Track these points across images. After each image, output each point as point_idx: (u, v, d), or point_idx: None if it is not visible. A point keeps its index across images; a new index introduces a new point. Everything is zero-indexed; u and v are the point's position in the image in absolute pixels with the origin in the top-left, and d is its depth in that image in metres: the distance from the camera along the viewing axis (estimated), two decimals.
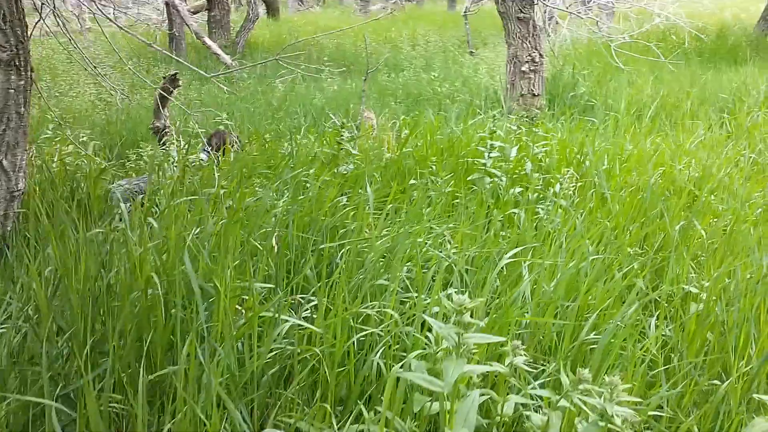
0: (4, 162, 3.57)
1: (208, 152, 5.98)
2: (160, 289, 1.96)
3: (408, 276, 2.60)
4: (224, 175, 4.23)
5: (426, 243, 2.85)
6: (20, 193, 3.73)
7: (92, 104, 8.95)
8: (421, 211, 3.20)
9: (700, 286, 2.94)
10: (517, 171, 4.20)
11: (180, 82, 6.44)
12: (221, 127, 6.84)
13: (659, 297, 2.92)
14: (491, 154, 3.94)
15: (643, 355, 2.53)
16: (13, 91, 3.48)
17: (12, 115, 3.53)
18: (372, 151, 4.71)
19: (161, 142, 6.57)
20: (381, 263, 2.53)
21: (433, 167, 4.08)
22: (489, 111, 8.70)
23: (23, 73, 3.52)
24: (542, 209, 3.67)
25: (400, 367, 1.82)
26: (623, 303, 2.94)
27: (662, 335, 2.74)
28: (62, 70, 10.92)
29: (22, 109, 3.58)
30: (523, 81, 8.39)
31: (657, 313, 2.85)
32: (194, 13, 16.80)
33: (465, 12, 13.43)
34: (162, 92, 6.43)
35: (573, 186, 4.01)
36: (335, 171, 3.78)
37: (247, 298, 2.36)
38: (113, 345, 1.89)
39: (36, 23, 4.24)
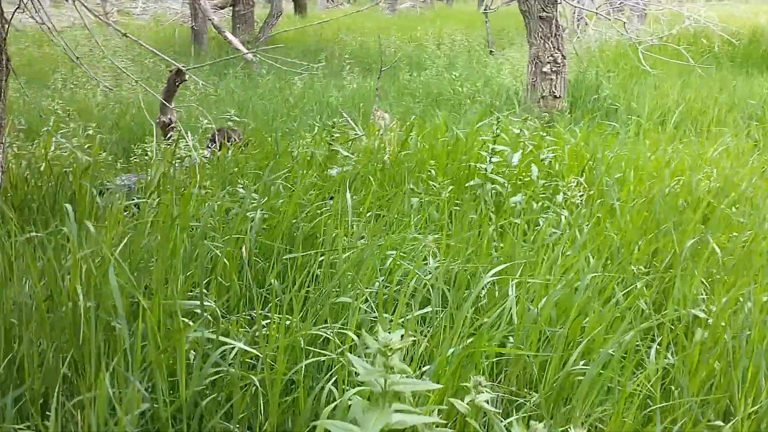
0: None
1: (211, 149, 5.79)
2: (82, 303, 1.75)
3: (383, 292, 2.35)
4: (213, 173, 4.02)
5: (405, 255, 2.60)
6: None
7: (107, 97, 8.82)
8: (406, 220, 2.96)
9: (708, 310, 2.65)
10: (522, 177, 3.93)
11: (186, 77, 6.25)
12: (230, 124, 6.64)
13: (662, 321, 2.64)
14: (493, 159, 3.68)
15: (638, 389, 2.25)
16: None
17: None
18: (373, 153, 4.46)
19: (167, 137, 6.40)
20: (348, 277, 2.29)
21: (432, 171, 3.82)
22: (506, 112, 8.41)
23: (2, 64, 3.34)
24: (543, 220, 3.40)
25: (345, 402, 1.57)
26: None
27: (664, 365, 2.46)
28: (84, 63, 10.86)
29: None
30: (545, 82, 8.08)
31: (659, 339, 2.57)
32: (221, 8, 16.71)
33: (485, 10, 13.12)
34: (167, 86, 6.26)
35: (580, 195, 3.73)
36: (324, 173, 3.55)
37: None
38: (28, 367, 1.68)
39: (14, 11, 4.05)
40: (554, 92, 8.06)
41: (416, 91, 10.18)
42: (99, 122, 7.44)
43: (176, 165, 4.36)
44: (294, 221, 2.77)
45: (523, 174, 4.09)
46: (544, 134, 4.48)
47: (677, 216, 3.52)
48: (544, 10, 7.85)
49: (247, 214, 2.68)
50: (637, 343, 2.46)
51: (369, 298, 2.19)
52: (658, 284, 3.02)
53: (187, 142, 5.75)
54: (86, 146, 5.91)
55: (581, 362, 2.28)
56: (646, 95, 7.81)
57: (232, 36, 11.93)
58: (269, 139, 5.78)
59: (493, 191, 3.66)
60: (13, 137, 5.48)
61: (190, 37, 13.17)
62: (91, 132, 6.54)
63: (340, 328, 2.08)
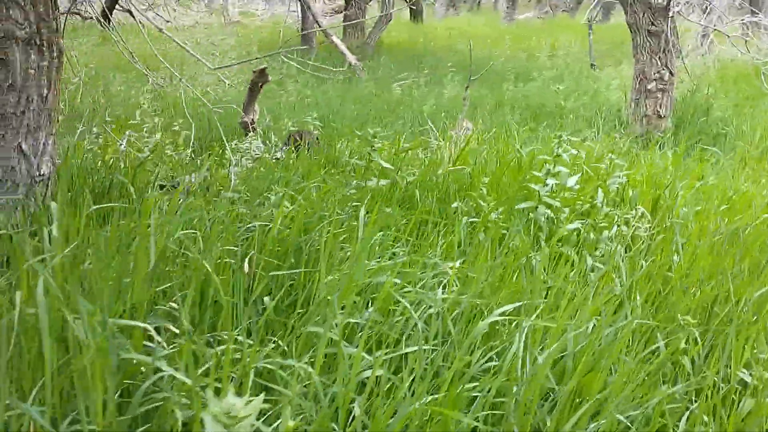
0: (23, 145, 3.43)
1: (284, 151, 5.74)
2: (15, 318, 1.63)
3: (373, 322, 2.13)
4: (266, 175, 3.91)
5: (412, 282, 2.35)
6: (44, 178, 3.59)
7: (203, 94, 9.00)
8: (426, 242, 2.71)
9: (759, 376, 2.25)
10: (587, 202, 3.57)
11: (269, 78, 6.23)
12: (311, 127, 6.58)
13: (702, 383, 2.27)
14: (549, 181, 3.36)
15: None
16: (33, 71, 3.33)
17: (33, 97, 3.38)
18: (431, 165, 4.23)
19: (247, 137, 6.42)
20: (327, 303, 2.08)
21: (483, 190, 3.54)
22: (609, 129, 7.92)
23: (46, 54, 3.36)
24: (592, 255, 3.06)
25: None
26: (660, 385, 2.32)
27: None
28: (194, 61, 11.18)
29: (45, 91, 3.42)
30: (649, 100, 7.54)
31: (696, 404, 2.20)
32: (337, 12, 16.89)
33: (588, 21, 12.51)
34: (251, 87, 6.27)
35: (644, 228, 3.34)
36: (362, 184, 3.36)
37: None
38: None
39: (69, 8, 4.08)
40: (659, 111, 7.51)
41: (516, 103, 9.82)
42: (184, 120, 7.59)
43: (231, 166, 4.30)
44: (304, 236, 2.59)
45: (592, 199, 3.74)
46: (614, 157, 4.06)
47: (753, 259, 3.08)
48: (653, 24, 7.33)
49: (255, 223, 2.53)
50: (663, 410, 2.11)
51: (355, 328, 1.98)
52: (713, 339, 2.63)
53: (259, 143, 5.72)
54: (168, 141, 6.02)
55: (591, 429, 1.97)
56: (760, 120, 7.12)
57: (338, 40, 11.94)
58: (337, 144, 5.65)
59: (548, 216, 3.35)
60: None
61: (299, 41, 13.33)
62: (177, 128, 6.66)
63: (307, 361, 1.88)
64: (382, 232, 2.64)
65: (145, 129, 6.12)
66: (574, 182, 3.33)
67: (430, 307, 2.30)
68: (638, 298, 2.69)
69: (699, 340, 2.57)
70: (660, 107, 7.50)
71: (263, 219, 2.76)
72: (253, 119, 6.37)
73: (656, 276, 2.99)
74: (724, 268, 2.98)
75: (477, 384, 2.01)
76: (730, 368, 2.43)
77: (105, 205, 3.26)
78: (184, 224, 2.54)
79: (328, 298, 2.02)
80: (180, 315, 1.96)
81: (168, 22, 17.84)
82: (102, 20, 14.38)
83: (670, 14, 7.32)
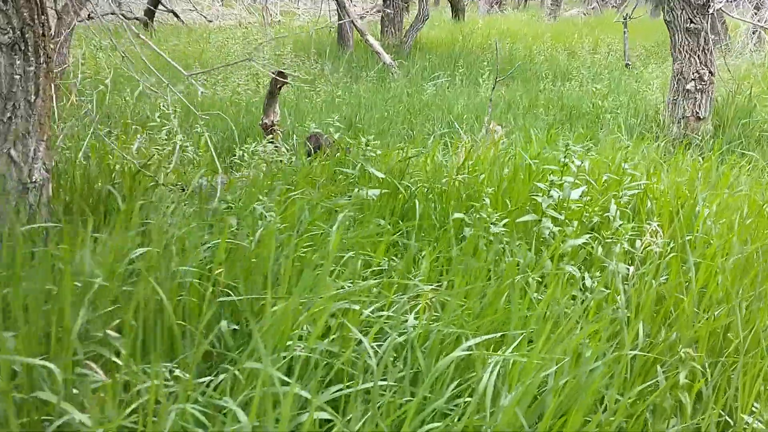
0: (12, 152, 3.33)
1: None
2: None
3: (326, 355, 1.94)
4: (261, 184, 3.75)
5: (375, 307, 2.16)
6: (36, 185, 3.49)
7: (230, 96, 8.92)
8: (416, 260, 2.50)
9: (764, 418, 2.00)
10: (591, 213, 3.31)
11: (289, 79, 6.09)
12: (331, 130, 6.41)
13: (703, 423, 2.03)
14: (554, 193, 3.11)
15: None
16: (19, 77, 3.23)
17: (20, 102, 3.27)
18: (437, 173, 4.02)
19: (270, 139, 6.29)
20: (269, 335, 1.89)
21: (487, 200, 3.32)
22: (645, 132, 7.56)
23: (32, 59, 3.25)
24: (592, 275, 2.81)
25: None
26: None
27: None
28: (230, 62, 11.13)
29: (33, 97, 3.31)
30: (687, 101, 7.17)
31: None
32: (378, 12, 16.69)
33: (624, 19, 12.07)
34: (270, 89, 6.14)
35: (657, 244, 3.07)
36: (350, 195, 3.17)
37: None
38: None
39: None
40: (697, 113, 7.13)
41: (552, 103, 9.50)
42: (212, 120, 7.51)
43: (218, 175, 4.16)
44: (277, 253, 2.42)
45: (603, 211, 3.48)
46: (627, 167, 3.77)
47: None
48: (691, 21, 6.95)
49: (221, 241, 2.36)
50: None
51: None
52: (723, 372, 2.37)
53: (272, 146, 5.58)
54: (189, 144, 5.93)
55: None
56: None
57: (373, 40, 11.79)
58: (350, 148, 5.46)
59: (551, 231, 3.10)
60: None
61: (335, 40, 13.20)
62: (199, 130, 6.58)
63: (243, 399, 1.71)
64: (352, 252, 2.44)
65: (164, 131, 6.05)
66: (579, 194, 3.08)
67: (401, 335, 2.10)
68: (641, 324, 2.45)
69: (706, 373, 2.32)
70: (699, 108, 7.12)
71: (241, 233, 2.60)
72: (273, 121, 6.23)
73: (665, 299, 2.73)
74: (741, 291, 2.70)
75: (438, 425, 1.82)
76: (737, 406, 2.18)
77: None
78: (143, 239, 2.39)
79: (269, 329, 1.84)
80: (119, 344, 1.81)
81: (210, 21, 17.96)
82: (144, 20, 14.49)
83: (710, 11, 6.93)
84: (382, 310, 2.26)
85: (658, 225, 3.27)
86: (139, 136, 5.46)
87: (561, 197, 3.04)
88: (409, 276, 2.42)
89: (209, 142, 4.76)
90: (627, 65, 12.05)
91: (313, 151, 5.49)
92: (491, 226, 3.16)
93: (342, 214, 2.54)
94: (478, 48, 13.77)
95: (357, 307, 1.99)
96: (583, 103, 9.45)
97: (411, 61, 12.09)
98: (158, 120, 6.00)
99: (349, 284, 2.26)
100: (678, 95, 7.20)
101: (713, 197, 3.89)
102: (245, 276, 2.22)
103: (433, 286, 2.36)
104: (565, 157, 3.23)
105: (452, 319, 2.14)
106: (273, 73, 6.02)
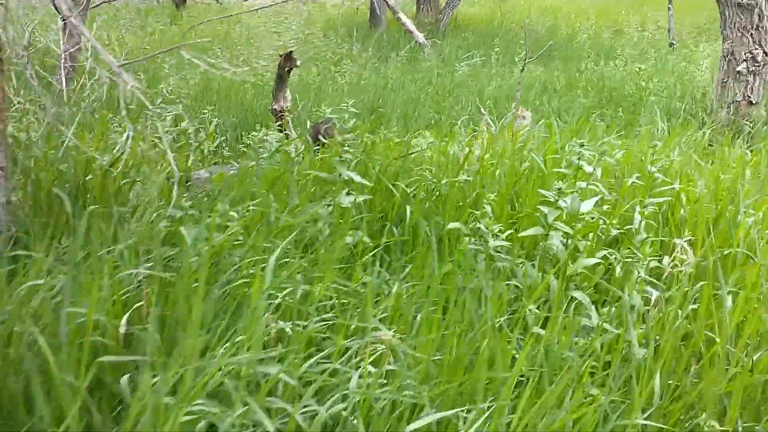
0: None
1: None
2: None
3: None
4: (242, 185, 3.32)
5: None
6: None
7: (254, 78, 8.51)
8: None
9: None
10: (609, 225, 2.79)
11: (297, 62, 5.62)
12: (345, 117, 5.96)
13: None
14: (564, 202, 2.61)
15: None
16: None
17: None
18: (441, 171, 3.54)
19: (279, 125, 5.88)
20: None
21: (487, 207, 2.83)
22: (690, 117, 6.91)
23: None
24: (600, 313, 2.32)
25: None
26: None
27: None
28: (254, 43, 10.71)
29: None
30: (738, 84, 6.49)
31: None
32: None
33: None
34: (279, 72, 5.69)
35: (687, 265, 2.55)
36: (328, 202, 2.72)
37: None
38: None
39: None
40: (749, 97, 6.45)
41: (592, 84, 8.85)
42: (227, 104, 7.13)
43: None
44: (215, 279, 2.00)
45: (625, 222, 2.96)
46: (653, 169, 3.21)
47: None
48: None
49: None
50: None
51: None
52: None
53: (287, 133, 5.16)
54: (191, 131, 5.55)
55: None
56: None
57: (405, 18, 11.24)
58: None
59: (560, 246, 2.61)
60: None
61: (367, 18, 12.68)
62: (207, 114, 6.20)
63: None
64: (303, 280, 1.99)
65: (167, 118, 5.68)
66: (591, 205, 2.56)
67: (344, 398, 1.66)
68: (657, 378, 1.95)
69: None
70: (750, 92, 6.44)
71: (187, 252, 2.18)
72: (283, 107, 5.79)
73: (693, 336, 2.23)
74: None
75: None
76: None
77: None
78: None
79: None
80: None
81: (245, 0, 17.58)
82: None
83: None
84: (329, 359, 1.82)
85: (690, 239, 2.74)
86: (129, 125, 5.06)
87: (570, 208, 2.53)
88: (367, 313, 1.97)
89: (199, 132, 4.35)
90: (671, 45, 11.23)
91: (312, 142, 5.06)
92: (491, 239, 2.68)
93: (286, 240, 2.09)
94: (518, 26, 13.08)
95: (274, 370, 1.55)
96: (626, 84, 8.78)
97: (445, 40, 11.51)
98: (158, 107, 5.62)
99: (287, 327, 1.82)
100: (728, 77, 6.52)
101: (761, 202, 3.33)
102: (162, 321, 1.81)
103: (391, 333, 1.90)
104: (578, 158, 2.72)
105: (410, 378, 1.69)
106: (281, 56, 5.56)
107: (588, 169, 2.59)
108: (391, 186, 3.14)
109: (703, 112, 6.79)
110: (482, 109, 6.64)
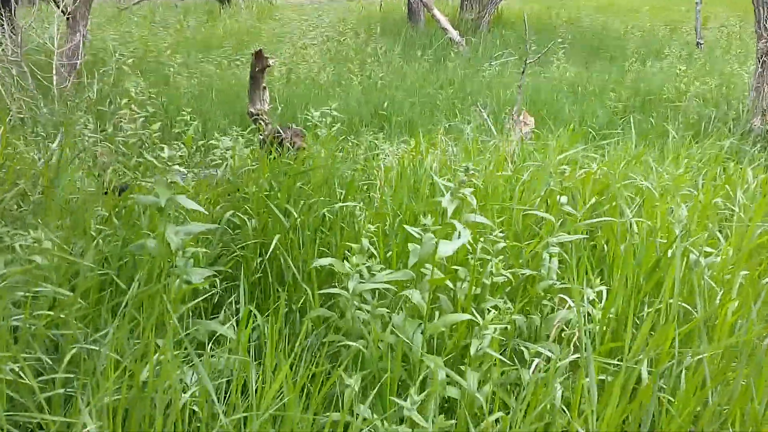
0: None
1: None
2: None
3: None
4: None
5: None
6: None
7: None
8: None
9: None
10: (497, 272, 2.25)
11: (270, 62, 5.21)
12: (327, 120, 5.52)
13: None
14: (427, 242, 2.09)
15: None
16: None
17: None
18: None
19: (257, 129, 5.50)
20: None
21: (365, 242, 2.34)
22: (718, 126, 6.15)
23: None
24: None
25: None
26: None
27: None
28: (287, 39, 10.39)
29: None
30: None
31: None
32: None
33: None
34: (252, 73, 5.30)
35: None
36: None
37: None
38: None
39: None
40: None
41: (625, 87, 8.10)
42: (215, 105, 6.80)
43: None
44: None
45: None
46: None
47: None
48: None
49: None
50: None
51: None
52: None
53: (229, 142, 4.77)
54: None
55: None
56: None
57: (440, 14, 10.70)
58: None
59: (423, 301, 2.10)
60: None
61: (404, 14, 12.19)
62: (186, 116, 5.86)
63: None
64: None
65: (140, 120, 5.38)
66: (453, 249, 2.02)
67: None
68: None
69: None
70: None
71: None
72: (260, 110, 5.40)
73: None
74: None
75: None
76: None
77: None
78: None
79: None
80: None
81: None
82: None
83: None
84: None
85: (600, 289, 2.19)
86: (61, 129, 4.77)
87: (421, 251, 2.01)
88: None
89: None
90: (698, 44, 10.25)
91: (260, 146, 4.65)
92: (353, 281, 2.20)
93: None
94: (567, 22, 12.33)
95: None
96: (665, 86, 8.00)
97: (482, 38, 10.90)
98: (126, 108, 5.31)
99: None
100: (762, 81, 5.75)
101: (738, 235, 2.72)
102: None
103: None
104: (459, 183, 2.18)
105: None
106: (253, 55, 5.17)
107: (471, 198, 2.05)
108: (275, 208, 2.69)
109: (734, 120, 6.02)
110: (482, 111, 6.07)
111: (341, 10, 12.95)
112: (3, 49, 6.73)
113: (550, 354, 2.05)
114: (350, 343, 1.99)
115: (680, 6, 13.26)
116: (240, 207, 3.02)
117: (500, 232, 2.40)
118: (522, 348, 2.12)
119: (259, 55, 5.18)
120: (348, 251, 2.42)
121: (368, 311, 2.13)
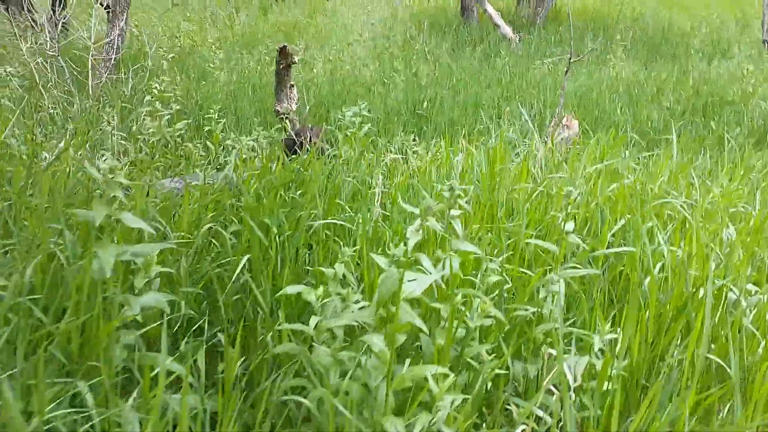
0: None
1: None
2: None
3: None
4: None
5: None
6: None
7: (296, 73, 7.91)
8: None
9: None
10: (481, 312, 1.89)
11: (295, 58, 4.93)
12: (356, 120, 5.22)
13: None
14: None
15: None
16: None
17: None
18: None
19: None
20: None
21: (339, 267, 2.03)
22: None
23: None
24: None
25: None
26: None
27: None
28: (326, 36, 10.12)
29: None
30: None
31: None
32: None
33: None
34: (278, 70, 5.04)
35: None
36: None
37: None
38: None
39: None
40: None
41: (686, 88, 7.52)
42: (249, 102, 6.57)
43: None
44: None
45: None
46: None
47: None
48: None
49: None
50: None
51: None
52: None
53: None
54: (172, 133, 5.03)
55: None
56: None
57: (492, 9, 10.26)
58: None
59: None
60: None
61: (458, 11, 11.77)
62: (214, 115, 5.65)
63: None
64: None
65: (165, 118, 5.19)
66: (422, 288, 1.67)
67: None
68: None
69: None
70: None
71: None
72: (287, 108, 5.15)
73: None
74: None
75: None
76: None
77: None
78: None
79: None
80: None
81: None
82: None
83: None
84: None
85: (612, 337, 1.82)
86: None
87: (383, 289, 1.67)
88: None
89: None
90: (765, 42, 9.46)
91: (289, 151, 4.38)
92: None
93: None
94: (629, 19, 11.68)
95: None
96: (730, 88, 7.41)
97: (538, 34, 10.41)
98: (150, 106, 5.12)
99: None
100: None
101: None
102: None
103: None
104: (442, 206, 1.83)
105: None
106: (277, 51, 4.91)
107: (435, 226, 1.70)
108: (254, 227, 2.40)
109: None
110: (524, 113, 5.66)
111: (392, 5, 12.61)
112: (41, 44, 6.70)
113: (542, 414, 1.69)
114: (298, 398, 1.68)
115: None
116: (229, 219, 2.75)
117: (498, 259, 2.04)
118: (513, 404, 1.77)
119: (283, 51, 4.93)
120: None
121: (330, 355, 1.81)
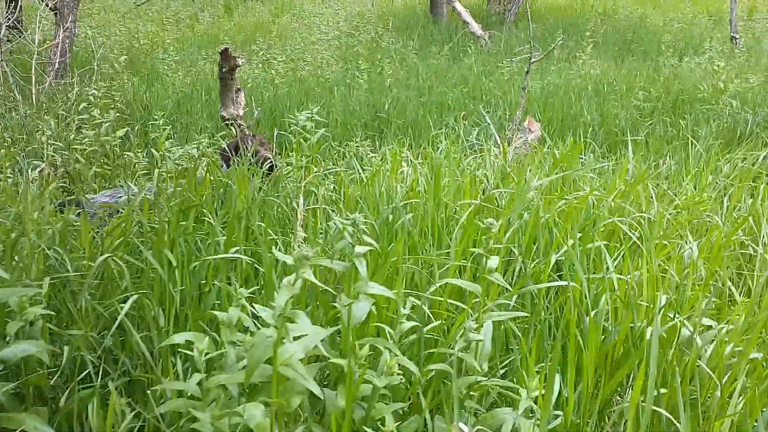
0: None
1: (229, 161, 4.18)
2: None
3: None
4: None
5: None
6: None
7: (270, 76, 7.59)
8: None
9: None
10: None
11: (239, 61, 4.62)
12: (309, 125, 4.92)
13: None
14: None
15: None
16: None
17: None
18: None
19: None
20: None
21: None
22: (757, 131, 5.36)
23: None
24: None
25: None
26: None
27: None
28: (298, 36, 9.82)
29: None
30: None
31: None
32: None
33: None
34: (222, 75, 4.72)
35: None
36: None
37: None
38: None
39: None
40: None
41: (656, 86, 7.29)
42: (178, 109, 6.23)
43: None
44: None
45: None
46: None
47: None
48: None
49: None
50: None
51: None
52: None
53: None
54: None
55: None
56: None
57: (461, 8, 10.00)
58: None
59: None
60: None
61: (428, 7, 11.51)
62: (159, 122, 5.33)
63: None
64: None
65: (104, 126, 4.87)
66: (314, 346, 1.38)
67: None
68: None
69: None
70: None
71: None
72: (233, 114, 4.84)
73: None
74: None
75: None
76: None
77: None
78: None
79: None
80: None
81: None
82: None
83: None
84: None
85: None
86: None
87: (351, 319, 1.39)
88: None
89: None
90: (733, 39, 9.26)
91: (225, 163, 4.08)
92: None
93: None
94: (600, 16, 11.47)
95: None
96: (702, 84, 7.18)
97: (507, 32, 10.16)
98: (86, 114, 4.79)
99: None
100: None
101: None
102: None
103: None
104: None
105: None
106: (218, 52, 4.59)
107: (361, 264, 1.40)
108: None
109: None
110: (486, 117, 5.39)
111: (361, 4, 12.33)
112: None
113: None
114: None
115: None
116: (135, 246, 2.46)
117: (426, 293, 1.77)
118: None
119: (225, 54, 4.61)
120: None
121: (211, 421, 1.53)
